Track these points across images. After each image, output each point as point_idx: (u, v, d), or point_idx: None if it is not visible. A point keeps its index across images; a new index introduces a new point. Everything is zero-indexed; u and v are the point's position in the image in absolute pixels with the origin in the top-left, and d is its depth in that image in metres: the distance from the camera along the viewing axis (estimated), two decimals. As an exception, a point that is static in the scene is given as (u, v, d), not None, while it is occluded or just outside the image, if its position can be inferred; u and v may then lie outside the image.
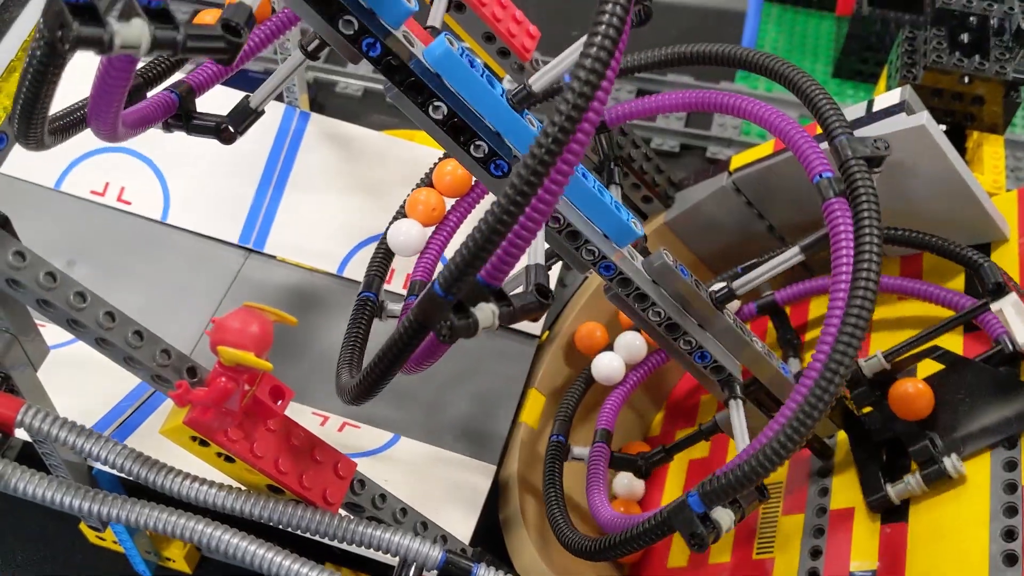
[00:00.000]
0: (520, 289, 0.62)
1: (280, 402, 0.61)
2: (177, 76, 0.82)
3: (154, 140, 1.08)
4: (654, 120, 1.48)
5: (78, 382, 0.84)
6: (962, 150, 1.06)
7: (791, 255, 0.76)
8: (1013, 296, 0.77)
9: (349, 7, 0.60)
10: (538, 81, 0.63)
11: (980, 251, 0.90)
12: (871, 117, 0.88)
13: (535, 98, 0.64)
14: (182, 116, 0.79)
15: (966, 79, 0.98)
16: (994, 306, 0.77)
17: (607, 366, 0.92)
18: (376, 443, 0.92)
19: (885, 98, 0.88)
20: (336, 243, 1.05)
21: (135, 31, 0.43)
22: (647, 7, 0.75)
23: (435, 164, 0.89)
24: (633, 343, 0.93)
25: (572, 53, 0.62)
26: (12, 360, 0.66)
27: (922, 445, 0.73)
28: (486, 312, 0.55)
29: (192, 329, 0.99)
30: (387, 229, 0.86)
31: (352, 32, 0.61)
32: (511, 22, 0.90)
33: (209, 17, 0.87)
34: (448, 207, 0.88)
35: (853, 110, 0.91)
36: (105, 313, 0.58)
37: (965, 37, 1.00)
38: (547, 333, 1.05)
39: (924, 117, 0.83)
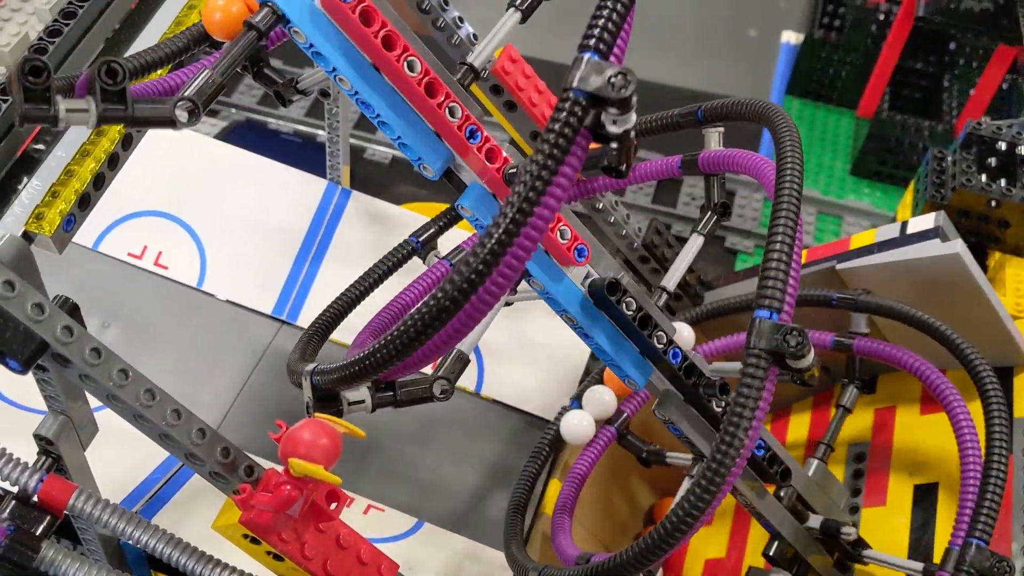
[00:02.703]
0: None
1: (335, 505, 0.61)
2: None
3: (194, 206, 1.11)
4: (675, 207, 1.51)
5: (108, 452, 0.84)
6: (983, 267, 1.09)
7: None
8: None
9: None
10: None
11: (1003, 375, 0.93)
12: (905, 239, 0.91)
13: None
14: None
15: (993, 203, 1.01)
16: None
17: (576, 425, 0.86)
18: (399, 529, 0.92)
19: (919, 221, 0.91)
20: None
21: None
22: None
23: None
24: (602, 398, 0.88)
25: None
26: (65, 441, 0.67)
27: None
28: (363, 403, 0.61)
29: (222, 398, 0.99)
30: None
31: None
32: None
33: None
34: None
35: (886, 230, 0.93)
36: (172, 411, 0.59)
37: (993, 161, 1.04)
38: (570, 422, 1.06)
39: (958, 245, 0.86)
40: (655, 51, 1.74)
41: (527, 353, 1.09)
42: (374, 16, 0.57)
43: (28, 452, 0.66)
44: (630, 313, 0.64)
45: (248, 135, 1.54)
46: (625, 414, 0.92)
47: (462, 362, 0.64)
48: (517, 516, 0.88)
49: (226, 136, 1.52)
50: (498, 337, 1.08)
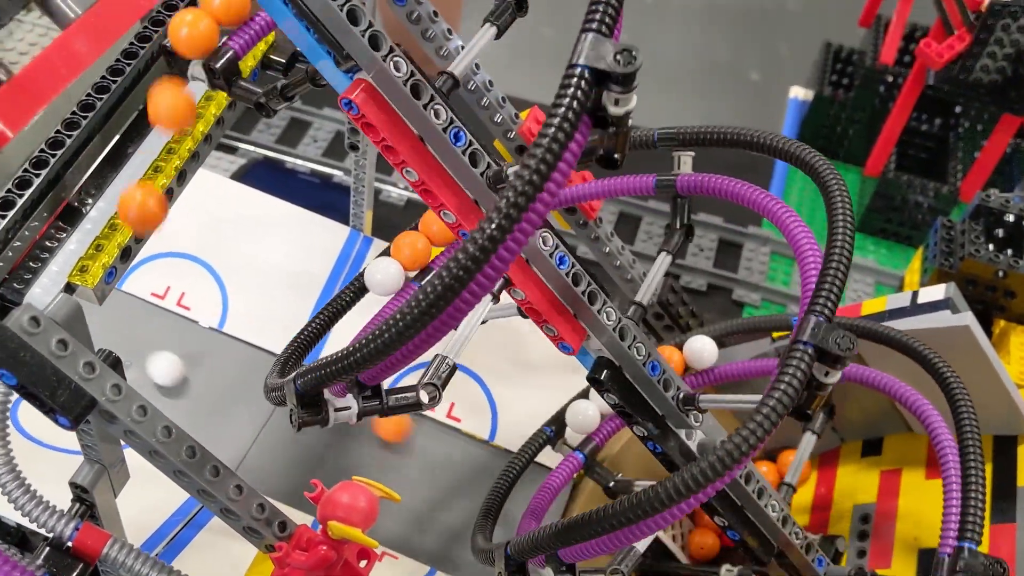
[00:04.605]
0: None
1: (365, 563, 0.63)
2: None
3: (218, 249, 1.13)
4: (684, 258, 1.53)
5: (131, 491, 0.86)
6: (988, 333, 1.11)
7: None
8: None
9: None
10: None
11: (1007, 444, 0.95)
12: (915, 308, 0.93)
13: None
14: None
15: (1000, 273, 1.03)
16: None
17: (582, 414, 0.90)
18: (413, 576, 0.94)
19: (929, 292, 0.93)
20: (385, 367, 1.08)
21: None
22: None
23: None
24: (586, 412, 0.91)
25: None
26: (99, 489, 0.69)
27: None
28: (349, 409, 0.56)
29: (241, 440, 1.01)
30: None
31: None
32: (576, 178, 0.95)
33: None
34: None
35: (897, 299, 0.96)
36: (211, 467, 0.60)
37: (1000, 232, 1.06)
38: (582, 472, 1.07)
39: (968, 318, 0.88)
40: (658, 96, 1.77)
41: (539, 401, 1.11)
42: (375, 131, 0.58)
43: (45, 488, 0.66)
44: (611, 403, 0.68)
45: (265, 174, 1.56)
46: (594, 442, 0.93)
47: (448, 367, 0.61)
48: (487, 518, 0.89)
49: (244, 174, 1.54)
50: (511, 384, 1.10)
